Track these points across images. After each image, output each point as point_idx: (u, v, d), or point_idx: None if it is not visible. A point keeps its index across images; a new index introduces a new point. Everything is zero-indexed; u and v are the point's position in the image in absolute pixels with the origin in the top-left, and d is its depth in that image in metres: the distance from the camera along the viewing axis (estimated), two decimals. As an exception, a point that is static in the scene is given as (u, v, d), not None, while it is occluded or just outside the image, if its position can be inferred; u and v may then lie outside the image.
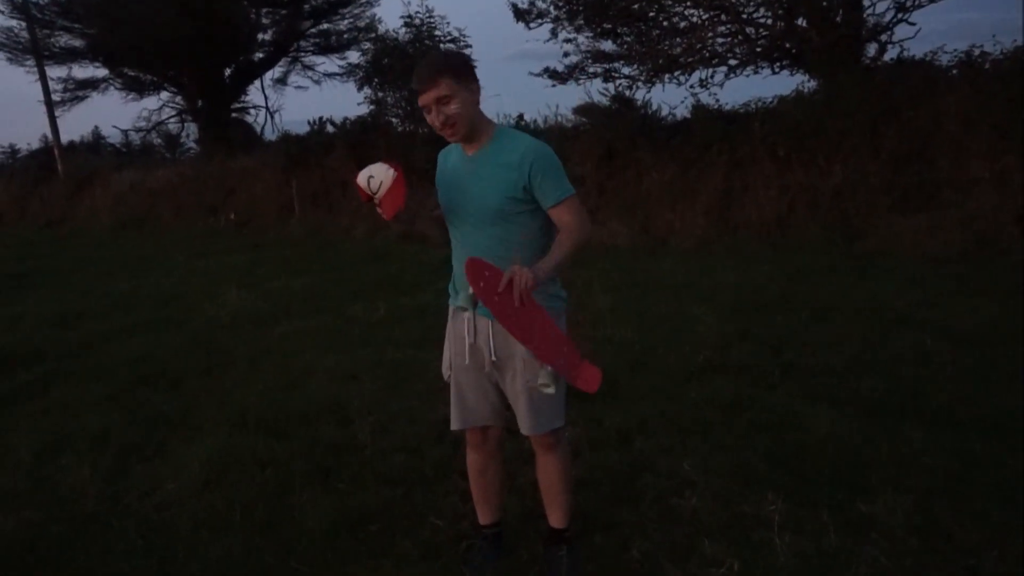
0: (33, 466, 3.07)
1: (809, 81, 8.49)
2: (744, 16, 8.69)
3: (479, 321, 1.96)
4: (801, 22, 8.37)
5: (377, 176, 1.84)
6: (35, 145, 18.73)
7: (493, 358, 1.94)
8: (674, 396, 3.33)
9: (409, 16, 10.71)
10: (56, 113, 16.23)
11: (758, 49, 8.84)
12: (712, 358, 3.78)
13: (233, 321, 5.37)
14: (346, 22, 16.24)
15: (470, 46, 10.78)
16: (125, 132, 18.64)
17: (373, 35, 11.73)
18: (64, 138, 16.82)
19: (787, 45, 8.65)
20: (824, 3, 8.06)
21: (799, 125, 7.33)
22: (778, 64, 8.98)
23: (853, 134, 7.02)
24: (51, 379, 4.23)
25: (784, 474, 2.57)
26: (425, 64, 1.80)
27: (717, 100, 8.60)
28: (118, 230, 12.01)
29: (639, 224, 7.71)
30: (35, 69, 15.73)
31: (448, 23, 11.28)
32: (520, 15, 9.79)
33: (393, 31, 11.05)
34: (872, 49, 8.21)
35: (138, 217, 12.42)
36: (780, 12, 8.51)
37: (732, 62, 9.05)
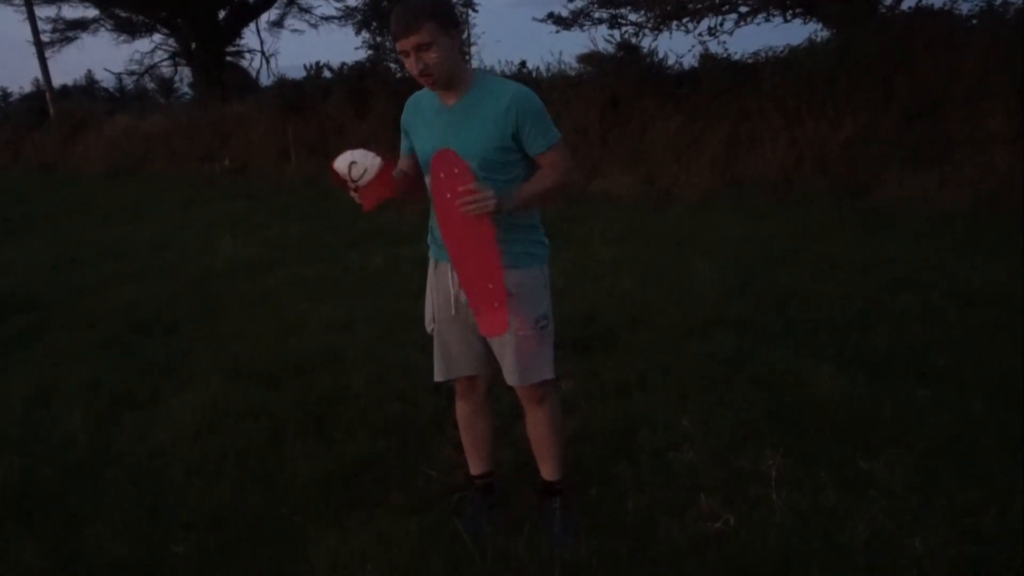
0: (24, 412, 3.05)
1: (822, 31, 8.19)
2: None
3: None
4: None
5: (361, 163, 1.70)
6: (27, 89, 18.29)
7: None
8: (674, 350, 3.28)
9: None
10: (46, 55, 15.82)
11: (770, -5, 8.50)
12: (714, 313, 3.72)
13: (228, 269, 5.30)
14: (344, -38, 15.68)
15: (472, -12, 10.42)
16: (118, 76, 18.18)
17: (372, -24, 11.31)
18: (56, 81, 16.55)
19: (801, -9, 8.32)
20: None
21: (810, 76, 7.10)
22: (790, 12, 8.64)
23: (866, 86, 6.79)
24: (43, 325, 4.19)
25: (784, 431, 2.53)
26: (406, 7, 1.67)
27: (726, 49, 8.32)
28: (112, 176, 11.81)
29: (643, 175, 7.55)
30: (23, 8, 15.24)
31: (449, -36, 10.92)
32: (525, -44, 9.40)
33: (392, -28, 10.66)
34: (890, -3, 7.90)
35: (132, 163, 12.20)
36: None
37: (743, 9, 8.71)
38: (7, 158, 14.72)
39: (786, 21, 8.73)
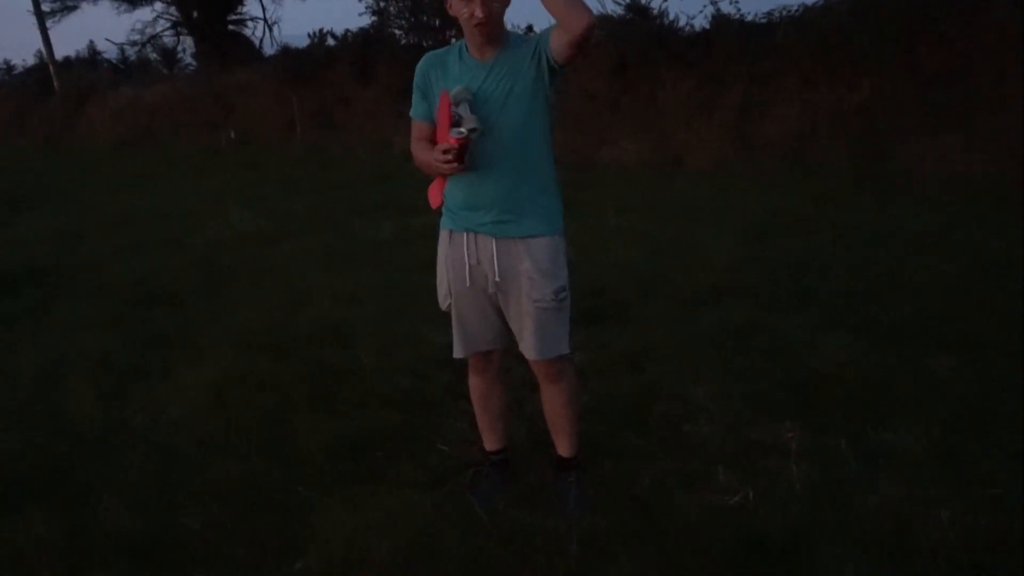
0: (35, 386, 3.04)
1: (839, -13, 7.92)
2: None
3: (480, 241, 1.85)
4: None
5: (474, 123, 1.72)
6: (30, 61, 17.98)
7: (497, 279, 1.84)
8: (686, 321, 3.23)
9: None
10: (47, 25, 15.60)
11: (786, -48, 8.23)
12: (725, 282, 3.65)
13: (235, 241, 5.26)
14: (346, -76, 15.26)
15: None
16: (120, 46, 17.88)
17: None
18: (58, 53, 16.20)
19: (818, -53, 8.02)
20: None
21: (826, 36, 6.88)
22: (806, -32, 8.34)
23: (885, 48, 6.58)
24: (52, 299, 4.17)
25: (801, 402, 2.49)
26: None
27: (739, 9, 8.05)
28: (117, 147, 11.73)
29: (652, 142, 7.41)
30: (22, -24, 15.00)
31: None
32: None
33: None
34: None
35: (137, 134, 12.11)
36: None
37: (757, -33, 8.45)
38: (13, 131, 14.64)
39: (802, -22, 8.43)
